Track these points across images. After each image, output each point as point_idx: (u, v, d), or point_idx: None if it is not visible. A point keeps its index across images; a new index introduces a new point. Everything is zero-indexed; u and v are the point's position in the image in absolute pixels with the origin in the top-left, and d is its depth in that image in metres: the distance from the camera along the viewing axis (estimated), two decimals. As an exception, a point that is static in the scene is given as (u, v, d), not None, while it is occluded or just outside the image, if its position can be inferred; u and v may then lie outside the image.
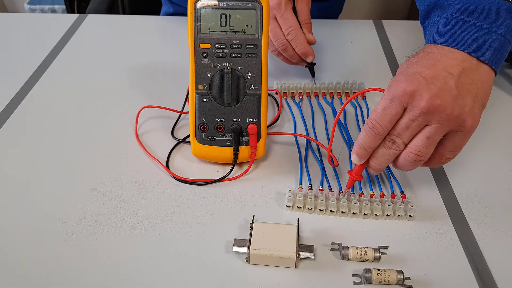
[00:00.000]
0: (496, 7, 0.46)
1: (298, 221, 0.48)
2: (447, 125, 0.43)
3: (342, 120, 0.63)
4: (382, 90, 0.46)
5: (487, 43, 0.45)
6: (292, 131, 0.61)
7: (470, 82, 0.44)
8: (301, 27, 0.65)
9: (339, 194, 0.51)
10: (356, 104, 0.65)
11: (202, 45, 0.52)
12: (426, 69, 0.44)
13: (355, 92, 0.67)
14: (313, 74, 0.69)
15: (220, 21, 0.51)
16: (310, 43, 0.65)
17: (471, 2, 0.46)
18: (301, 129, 0.62)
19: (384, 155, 0.46)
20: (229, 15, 0.51)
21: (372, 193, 0.51)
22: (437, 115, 0.43)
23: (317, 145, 0.58)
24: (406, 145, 0.45)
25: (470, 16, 0.46)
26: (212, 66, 0.52)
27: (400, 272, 0.43)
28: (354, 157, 0.48)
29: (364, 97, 0.67)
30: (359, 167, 0.49)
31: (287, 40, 0.63)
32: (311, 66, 0.68)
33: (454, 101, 0.43)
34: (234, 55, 0.52)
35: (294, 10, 0.65)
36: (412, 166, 0.46)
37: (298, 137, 0.60)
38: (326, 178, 0.54)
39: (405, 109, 0.44)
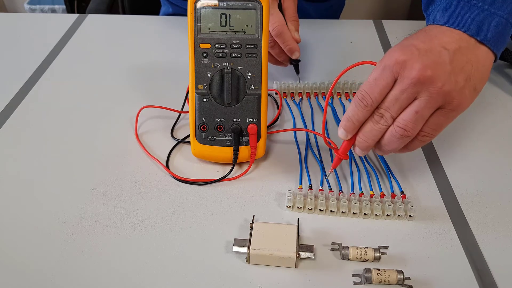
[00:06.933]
0: None
1: (298, 221, 0.48)
2: (436, 100, 0.42)
3: (342, 112, 0.63)
4: (374, 64, 0.45)
5: (489, 25, 0.44)
6: (292, 132, 0.61)
7: (466, 61, 0.43)
8: (287, 25, 0.64)
9: (339, 194, 0.51)
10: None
11: (202, 45, 0.52)
12: (421, 43, 0.43)
13: (355, 92, 0.68)
14: (297, 71, 0.69)
15: (220, 21, 0.51)
16: (296, 41, 0.64)
17: None
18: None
19: (371, 130, 0.45)
20: (229, 15, 0.51)
21: (372, 193, 0.51)
22: (427, 88, 0.42)
23: (317, 146, 0.58)
24: (394, 120, 0.44)
25: None
26: (212, 66, 0.52)
27: (400, 272, 0.43)
28: (341, 132, 0.46)
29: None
30: (346, 145, 0.48)
31: (272, 37, 0.62)
32: (295, 63, 0.68)
33: (446, 76, 0.42)
34: (234, 55, 0.52)
35: (280, 8, 0.64)
36: (398, 143, 0.45)
37: (298, 139, 0.60)
38: (326, 178, 0.54)
39: (395, 81, 0.43)
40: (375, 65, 0.45)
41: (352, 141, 0.47)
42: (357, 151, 0.47)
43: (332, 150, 0.56)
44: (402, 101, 0.43)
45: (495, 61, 0.46)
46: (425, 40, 0.43)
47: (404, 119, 0.43)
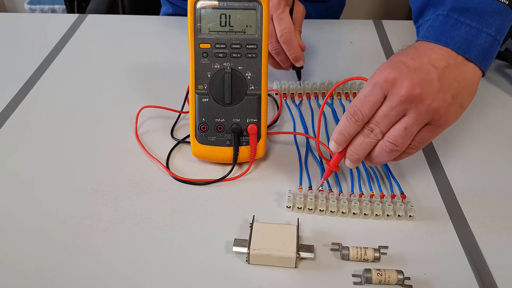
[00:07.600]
0: (487, 6, 0.46)
1: (298, 221, 0.48)
2: (424, 117, 0.43)
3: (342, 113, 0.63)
4: (366, 79, 0.46)
5: (476, 43, 0.45)
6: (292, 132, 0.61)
7: (453, 79, 0.44)
8: None
9: (339, 195, 0.51)
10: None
11: (202, 45, 0.52)
12: (411, 60, 0.44)
13: (355, 92, 0.68)
14: (299, 77, 0.69)
15: (220, 21, 0.51)
16: (301, 48, 0.65)
17: (462, 0, 0.46)
18: (300, 130, 0.62)
19: (362, 144, 0.46)
20: (229, 15, 0.51)
21: (372, 193, 0.51)
22: (415, 105, 0.43)
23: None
24: (384, 135, 0.45)
25: (461, 15, 0.46)
26: (212, 66, 0.52)
27: (400, 272, 0.43)
28: (332, 144, 0.47)
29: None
30: (337, 157, 0.49)
31: (279, 43, 0.62)
32: (298, 70, 0.68)
33: (434, 93, 0.42)
34: (234, 55, 0.52)
35: (291, 13, 0.64)
36: (387, 156, 0.46)
37: (298, 138, 0.60)
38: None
39: (385, 97, 0.44)
40: (366, 81, 0.45)
41: (343, 153, 0.48)
42: (347, 163, 0.48)
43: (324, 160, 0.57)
44: (391, 117, 0.44)
45: (483, 76, 0.47)
46: (415, 57, 0.44)
47: (394, 135, 0.44)
